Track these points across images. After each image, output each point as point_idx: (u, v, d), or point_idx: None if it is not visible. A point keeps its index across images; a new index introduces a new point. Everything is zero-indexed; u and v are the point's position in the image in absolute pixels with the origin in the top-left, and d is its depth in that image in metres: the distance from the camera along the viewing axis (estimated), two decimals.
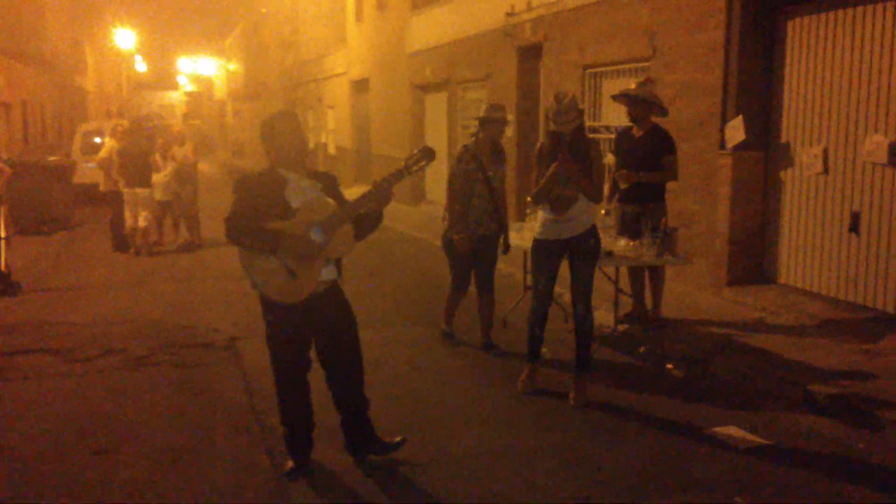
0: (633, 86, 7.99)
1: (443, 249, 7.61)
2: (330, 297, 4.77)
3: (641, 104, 7.78)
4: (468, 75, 16.51)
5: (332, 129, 28.84)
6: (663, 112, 7.92)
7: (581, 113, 6.10)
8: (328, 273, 4.68)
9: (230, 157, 48.87)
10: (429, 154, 4.59)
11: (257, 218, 4.48)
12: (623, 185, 7.82)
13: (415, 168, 4.60)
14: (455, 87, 17.22)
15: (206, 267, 12.19)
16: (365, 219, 4.72)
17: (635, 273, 7.97)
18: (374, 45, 23.17)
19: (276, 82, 38.31)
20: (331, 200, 4.64)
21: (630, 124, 8.03)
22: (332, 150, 28.73)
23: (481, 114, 7.26)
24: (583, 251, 6.11)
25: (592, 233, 6.11)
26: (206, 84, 68.36)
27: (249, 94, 45.30)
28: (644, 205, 7.77)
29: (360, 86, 24.87)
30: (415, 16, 19.43)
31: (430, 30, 18.50)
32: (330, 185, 4.78)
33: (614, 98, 8.22)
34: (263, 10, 40.10)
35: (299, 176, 4.65)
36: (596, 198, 6.10)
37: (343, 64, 26.49)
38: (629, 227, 7.76)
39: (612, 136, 11.50)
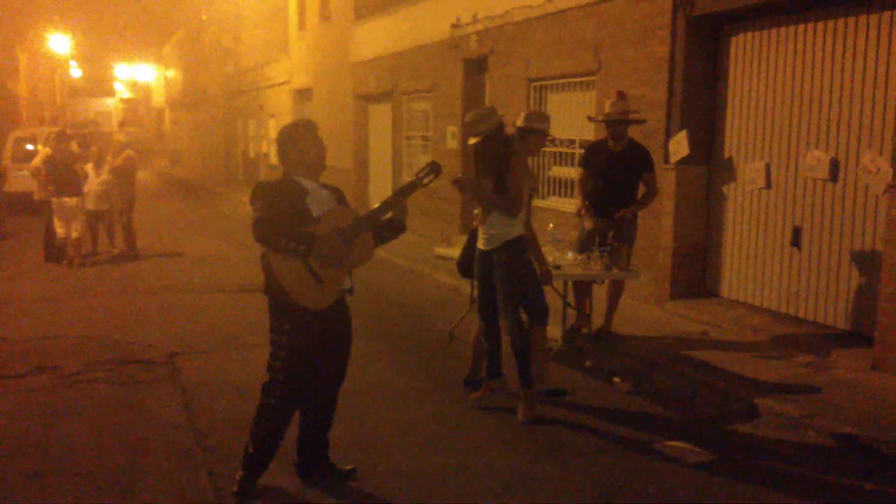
0: (606, 104, 7.80)
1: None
2: (341, 308, 4.72)
3: (621, 122, 7.68)
4: (413, 86, 16.44)
5: (273, 139, 28.50)
6: (642, 121, 8.08)
7: (494, 124, 5.99)
8: (347, 282, 4.62)
9: (168, 165, 48.09)
10: (436, 168, 4.73)
11: (284, 223, 4.38)
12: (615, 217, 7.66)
13: (426, 181, 4.72)
14: (400, 97, 17.14)
15: (143, 279, 11.87)
16: (387, 228, 4.73)
17: (580, 287, 7.93)
18: (317, 53, 22.98)
19: (216, 90, 37.79)
20: (352, 209, 4.66)
21: (600, 137, 7.96)
22: (273, 160, 28.39)
23: (519, 123, 6.55)
24: (495, 265, 6.06)
25: (505, 248, 6.00)
26: (143, 91, 67.27)
27: (188, 101, 44.62)
28: (616, 220, 7.68)
29: (303, 95, 24.65)
30: (359, 25, 19.31)
31: (374, 40, 18.40)
32: (341, 197, 4.77)
33: (591, 119, 8.22)
34: (204, 17, 39.57)
35: (317, 185, 4.62)
36: (507, 211, 5.90)
37: (285, 73, 26.24)
38: (596, 242, 7.61)
39: (559, 149, 11.55)
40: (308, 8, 23.59)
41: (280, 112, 27.29)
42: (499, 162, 5.94)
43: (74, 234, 12.81)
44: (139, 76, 65.34)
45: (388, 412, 6.19)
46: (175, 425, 5.88)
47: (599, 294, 8.23)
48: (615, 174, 7.69)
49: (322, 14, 22.21)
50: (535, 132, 6.47)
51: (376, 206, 4.63)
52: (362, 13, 19.13)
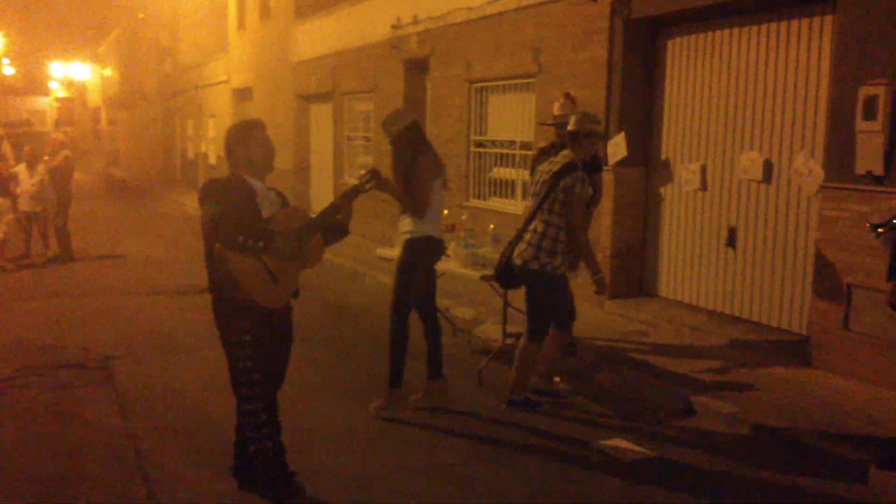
0: (555, 107, 7.57)
1: (542, 288, 6.16)
2: (287, 308, 4.69)
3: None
4: (354, 86, 16.38)
5: (212, 139, 28.14)
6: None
7: (402, 126, 6.06)
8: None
9: (105, 166, 47.14)
10: (377, 175, 4.90)
11: (240, 221, 4.30)
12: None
13: (367, 187, 4.82)
14: (341, 97, 17.06)
15: (77, 282, 11.62)
16: (332, 230, 4.74)
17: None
18: (256, 53, 22.76)
19: (154, 89, 37.17)
20: (302, 210, 4.64)
21: (554, 140, 7.54)
22: (212, 159, 28.04)
23: (573, 126, 6.24)
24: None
25: (407, 245, 6.08)
26: (79, 90, 65.81)
27: (125, 101, 43.78)
28: None
29: (243, 94, 24.38)
30: (299, 24, 19.17)
31: (315, 39, 18.28)
32: (285, 201, 4.74)
33: (541, 124, 7.98)
34: (141, 15, 38.87)
35: (264, 186, 4.59)
36: (413, 212, 5.97)
37: (224, 72, 25.93)
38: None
39: (500, 150, 11.61)
40: (248, 6, 23.34)
41: (219, 112, 26.96)
42: (406, 163, 5.99)
43: (0, 237, 12.49)
44: (75, 75, 63.92)
45: (325, 414, 6.15)
46: (110, 430, 5.77)
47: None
48: None
49: (262, 13, 22.00)
50: (590, 135, 6.26)
51: (324, 208, 4.64)
52: (303, 12, 19.00)
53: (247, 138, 4.54)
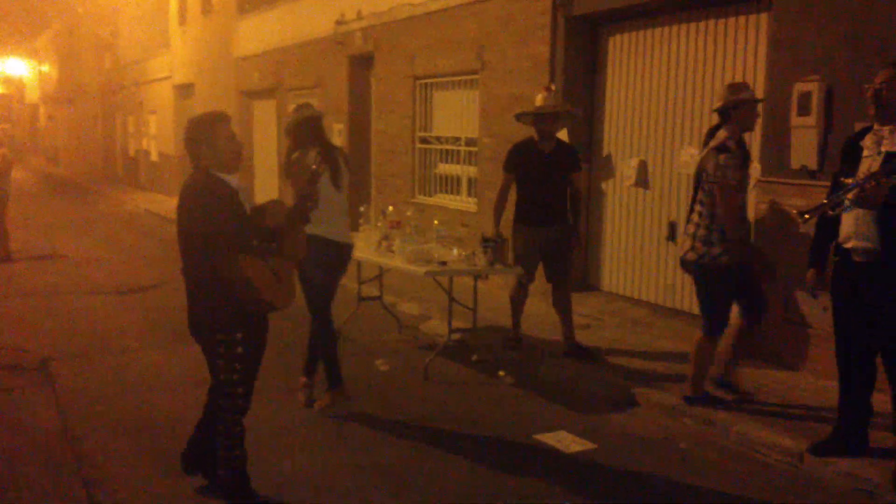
0: (538, 99, 7.29)
1: (701, 280, 5.84)
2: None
3: (551, 118, 7.16)
4: (298, 82, 16.27)
5: (154, 135, 27.73)
6: (576, 116, 7.78)
7: (294, 121, 5.97)
8: None
9: (44, 163, 46.16)
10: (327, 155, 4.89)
11: (243, 224, 4.23)
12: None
13: (322, 168, 4.77)
14: (284, 93, 16.92)
15: (16, 282, 11.38)
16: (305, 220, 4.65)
17: (515, 298, 7.61)
18: (198, 48, 22.47)
19: (93, 86, 36.48)
20: (281, 202, 4.55)
21: (527, 137, 7.40)
22: (154, 156, 27.63)
23: (725, 100, 5.74)
24: None
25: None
26: (16, 86, 64.29)
27: (64, 97, 42.92)
28: (556, 227, 7.26)
29: (185, 90, 24.06)
30: (241, 20, 18.98)
31: (257, 35, 18.11)
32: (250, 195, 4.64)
33: (519, 117, 7.56)
34: (80, 10, 38.13)
35: (237, 182, 4.39)
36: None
37: (166, 68, 25.55)
38: (538, 252, 7.28)
39: (445, 146, 11.63)
40: (189, 2, 23.04)
41: (161, 108, 26.57)
42: (283, 158, 6.10)
43: None
44: (11, 70, 62.45)
45: (266, 415, 6.07)
46: (49, 433, 5.66)
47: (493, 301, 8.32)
48: (548, 177, 7.19)
49: (204, 8, 21.73)
50: (744, 103, 5.70)
51: (297, 199, 4.55)
52: (245, 7, 18.81)
53: (213, 133, 4.29)
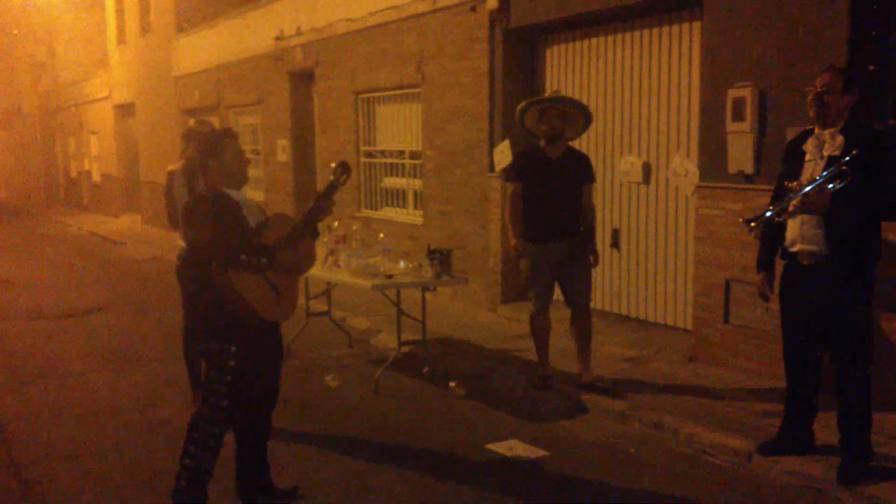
0: (548, 93, 6.80)
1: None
2: (275, 322, 4.59)
3: (561, 119, 6.45)
4: (240, 100, 16.17)
5: (95, 156, 27.31)
6: (588, 118, 6.69)
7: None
8: None
9: None
10: (346, 167, 4.62)
11: (236, 238, 4.23)
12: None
13: (343, 180, 4.60)
14: (226, 111, 16.81)
15: None
16: (314, 232, 4.64)
17: (538, 329, 6.83)
18: (138, 68, 22.20)
19: (31, 107, 35.80)
20: (287, 215, 4.57)
21: (533, 143, 6.90)
22: (96, 177, 27.20)
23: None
24: None
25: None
26: None
27: (1, 119, 42.04)
28: (568, 243, 6.53)
29: (125, 110, 23.75)
30: (181, 38, 18.81)
31: (197, 53, 17.96)
32: (262, 209, 4.67)
33: (522, 113, 6.67)
34: (15, 32, 37.40)
35: (243, 196, 4.47)
36: None
37: (105, 88, 25.20)
38: (550, 273, 6.58)
39: (389, 160, 11.64)
40: (127, 21, 22.77)
41: (102, 128, 26.19)
42: None
43: None
44: None
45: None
46: None
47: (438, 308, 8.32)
48: (557, 186, 6.46)
49: (142, 27, 21.50)
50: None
51: (308, 210, 4.53)
52: (184, 26, 18.66)
53: (220, 150, 4.40)
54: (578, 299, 6.62)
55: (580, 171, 6.57)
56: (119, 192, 24.70)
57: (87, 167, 28.35)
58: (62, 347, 8.70)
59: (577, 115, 6.57)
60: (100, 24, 26.24)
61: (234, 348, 4.30)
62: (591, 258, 6.62)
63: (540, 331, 6.77)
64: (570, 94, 8.59)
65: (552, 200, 6.46)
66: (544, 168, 6.48)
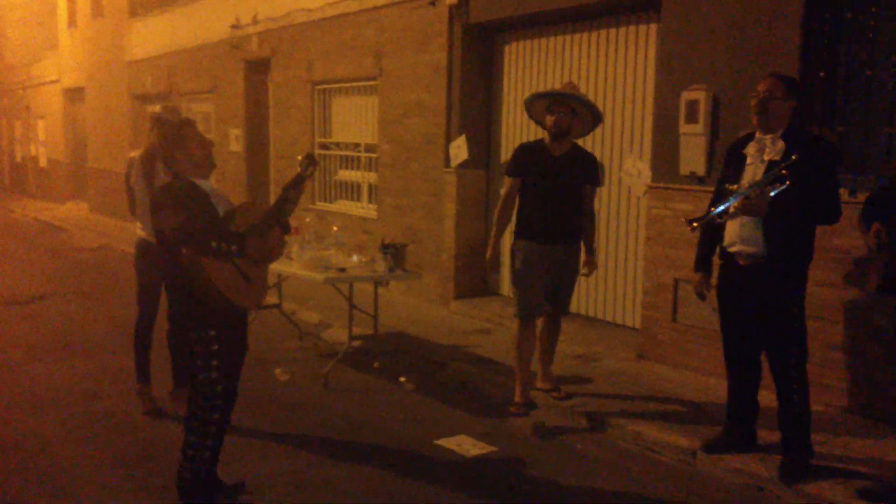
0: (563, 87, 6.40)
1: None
2: (244, 313, 4.60)
3: (569, 116, 6.05)
4: (192, 87, 15.95)
5: (42, 141, 26.76)
6: (596, 118, 6.30)
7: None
8: None
9: None
10: (314, 160, 4.60)
11: (206, 225, 4.18)
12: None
13: (309, 171, 4.57)
14: (179, 98, 16.57)
15: None
16: (284, 223, 4.60)
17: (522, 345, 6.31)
18: (89, 52, 21.78)
19: None
20: (256, 204, 4.53)
21: (533, 139, 6.75)
22: (43, 162, 26.65)
23: None
24: None
25: None
26: None
27: None
28: (565, 246, 6.19)
29: (75, 94, 23.29)
30: (134, 22, 18.51)
31: (150, 38, 17.69)
32: (228, 198, 4.63)
33: (530, 102, 6.34)
34: None
35: (210, 185, 4.46)
36: None
37: (55, 71, 24.69)
38: (543, 276, 6.15)
39: (345, 153, 11.58)
40: (79, 4, 22.31)
41: (50, 112, 25.67)
42: None
43: None
44: None
45: (158, 427, 5.92)
46: None
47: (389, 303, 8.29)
48: (556, 185, 6.08)
49: (94, 10, 21.09)
50: None
51: (276, 201, 4.54)
52: (138, 11, 18.36)
53: (183, 139, 4.40)
54: (559, 305, 6.34)
55: (583, 171, 6.16)
56: (66, 178, 24.23)
57: (33, 152, 27.77)
58: (4, 335, 8.51)
59: (585, 112, 6.19)
60: (50, 7, 25.69)
61: (213, 332, 4.33)
62: (587, 268, 6.29)
63: (524, 349, 6.25)
64: (524, 91, 8.66)
65: (549, 199, 6.07)
66: (545, 164, 6.09)
